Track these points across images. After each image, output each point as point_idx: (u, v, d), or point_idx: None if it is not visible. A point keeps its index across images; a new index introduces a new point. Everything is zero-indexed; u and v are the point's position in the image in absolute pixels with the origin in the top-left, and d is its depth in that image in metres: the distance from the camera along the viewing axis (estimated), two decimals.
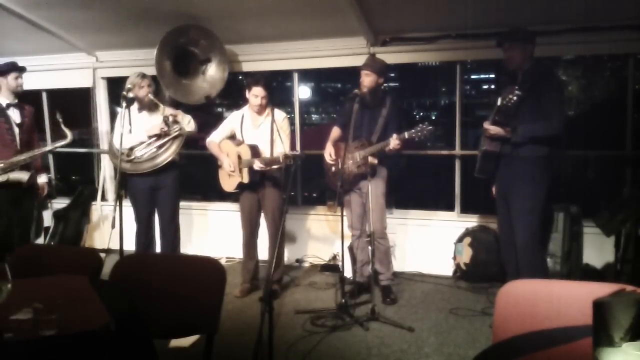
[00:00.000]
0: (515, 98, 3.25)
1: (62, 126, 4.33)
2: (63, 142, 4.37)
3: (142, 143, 4.28)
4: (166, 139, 4.28)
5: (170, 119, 4.27)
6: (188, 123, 4.40)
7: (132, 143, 4.27)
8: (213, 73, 4.89)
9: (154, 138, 4.28)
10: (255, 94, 4.10)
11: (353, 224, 4.25)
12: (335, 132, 4.31)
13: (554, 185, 3.56)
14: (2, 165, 4.21)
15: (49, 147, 4.39)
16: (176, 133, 4.28)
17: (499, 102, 3.33)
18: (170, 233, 4.48)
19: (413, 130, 3.76)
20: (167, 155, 4.30)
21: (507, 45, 3.53)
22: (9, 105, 4.34)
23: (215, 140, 4.32)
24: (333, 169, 4.16)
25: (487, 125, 3.48)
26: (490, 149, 3.53)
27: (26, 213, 4.53)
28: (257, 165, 4.00)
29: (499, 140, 3.49)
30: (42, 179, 4.55)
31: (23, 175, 4.24)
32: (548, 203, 3.63)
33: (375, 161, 4.04)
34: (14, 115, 4.35)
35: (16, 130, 4.33)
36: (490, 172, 3.67)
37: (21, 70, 4.37)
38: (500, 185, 3.64)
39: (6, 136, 4.29)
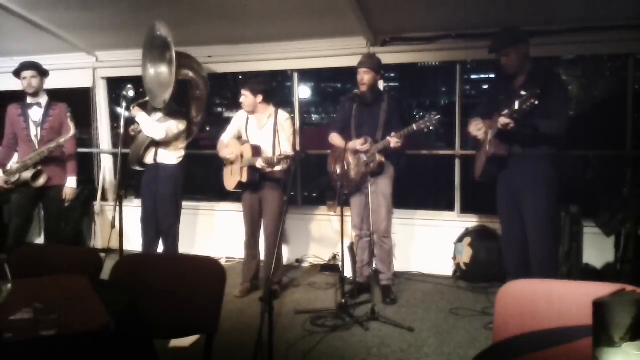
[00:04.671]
0: (537, 102, 3.05)
1: (68, 120, 4.32)
2: (66, 137, 4.27)
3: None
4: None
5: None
6: (151, 128, 4.34)
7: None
8: (166, 76, 4.47)
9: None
10: (244, 94, 4.21)
11: (356, 223, 4.24)
12: (337, 139, 4.22)
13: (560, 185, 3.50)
14: (17, 165, 4.23)
15: (53, 144, 4.25)
16: (132, 134, 4.49)
17: (516, 106, 3.11)
18: (165, 233, 4.47)
19: (422, 122, 3.74)
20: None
21: (499, 52, 3.45)
22: (31, 105, 4.35)
23: (223, 140, 4.40)
24: (338, 170, 4.07)
25: (503, 120, 3.23)
26: (498, 152, 3.43)
27: (49, 213, 4.51)
28: (260, 163, 4.00)
29: (507, 143, 3.40)
30: (68, 182, 4.42)
31: (27, 174, 4.24)
32: (558, 203, 3.58)
33: (383, 159, 4.03)
34: (34, 114, 4.34)
35: (33, 128, 4.31)
36: (495, 175, 3.59)
37: (26, 68, 4.33)
38: (509, 186, 3.54)
39: (23, 135, 4.33)
